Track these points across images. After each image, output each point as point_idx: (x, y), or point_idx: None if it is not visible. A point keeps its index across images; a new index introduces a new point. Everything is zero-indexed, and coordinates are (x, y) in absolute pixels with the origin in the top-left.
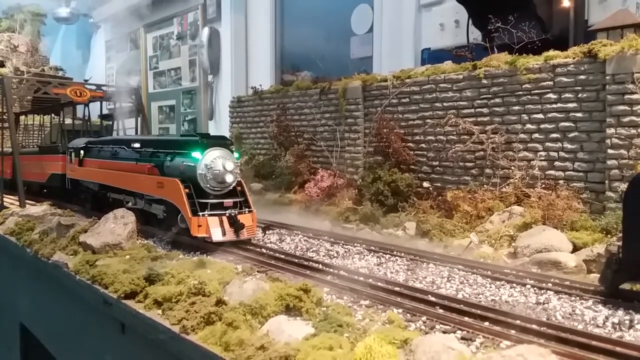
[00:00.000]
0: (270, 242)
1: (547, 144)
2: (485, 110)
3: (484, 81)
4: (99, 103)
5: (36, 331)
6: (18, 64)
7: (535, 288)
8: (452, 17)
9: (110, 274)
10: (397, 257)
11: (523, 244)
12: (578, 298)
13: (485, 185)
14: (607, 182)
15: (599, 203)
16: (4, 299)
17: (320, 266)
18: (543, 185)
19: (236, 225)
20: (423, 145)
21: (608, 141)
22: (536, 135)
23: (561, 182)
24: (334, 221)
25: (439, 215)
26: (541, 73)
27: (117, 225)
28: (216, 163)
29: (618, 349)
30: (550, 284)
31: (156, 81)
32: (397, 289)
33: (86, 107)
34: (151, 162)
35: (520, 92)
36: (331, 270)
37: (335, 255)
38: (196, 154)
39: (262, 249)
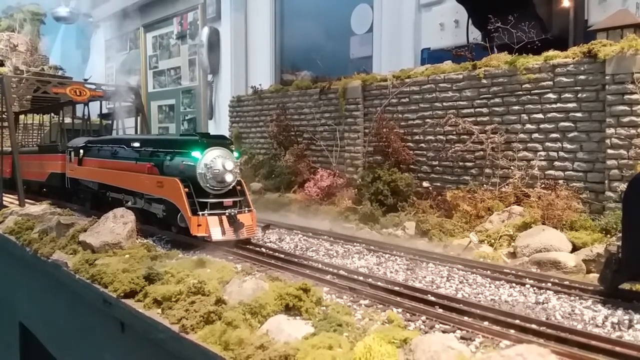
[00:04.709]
0: (270, 242)
1: (547, 143)
2: (484, 110)
3: (484, 81)
4: (98, 102)
5: (35, 330)
6: (17, 63)
7: (534, 288)
8: (452, 17)
9: (109, 273)
10: (396, 257)
11: (522, 244)
12: (577, 298)
13: (484, 185)
14: (606, 182)
15: (599, 203)
16: (3, 298)
17: (320, 265)
18: (543, 185)
19: (236, 225)
20: (423, 145)
21: (608, 141)
22: (536, 135)
23: (561, 182)
24: (334, 221)
25: (438, 215)
26: (541, 73)
27: (117, 224)
28: (216, 162)
29: (617, 348)
30: (549, 284)
31: (156, 80)
32: (396, 288)
33: (86, 107)
34: (151, 161)
35: (520, 92)
36: (331, 269)
37: (335, 254)
38: (196, 154)
39: (262, 248)
